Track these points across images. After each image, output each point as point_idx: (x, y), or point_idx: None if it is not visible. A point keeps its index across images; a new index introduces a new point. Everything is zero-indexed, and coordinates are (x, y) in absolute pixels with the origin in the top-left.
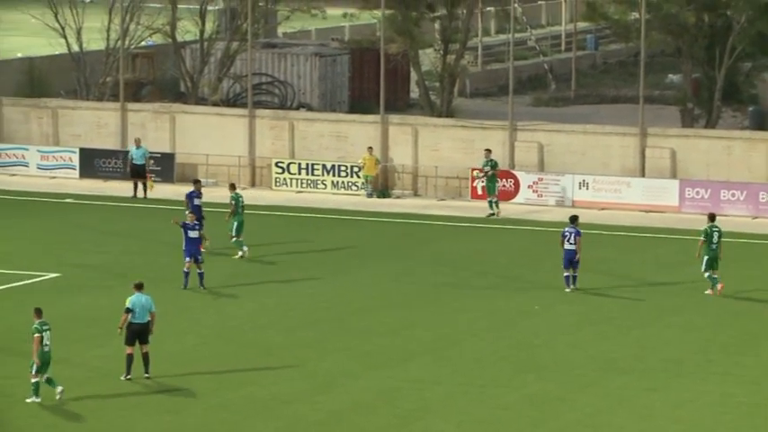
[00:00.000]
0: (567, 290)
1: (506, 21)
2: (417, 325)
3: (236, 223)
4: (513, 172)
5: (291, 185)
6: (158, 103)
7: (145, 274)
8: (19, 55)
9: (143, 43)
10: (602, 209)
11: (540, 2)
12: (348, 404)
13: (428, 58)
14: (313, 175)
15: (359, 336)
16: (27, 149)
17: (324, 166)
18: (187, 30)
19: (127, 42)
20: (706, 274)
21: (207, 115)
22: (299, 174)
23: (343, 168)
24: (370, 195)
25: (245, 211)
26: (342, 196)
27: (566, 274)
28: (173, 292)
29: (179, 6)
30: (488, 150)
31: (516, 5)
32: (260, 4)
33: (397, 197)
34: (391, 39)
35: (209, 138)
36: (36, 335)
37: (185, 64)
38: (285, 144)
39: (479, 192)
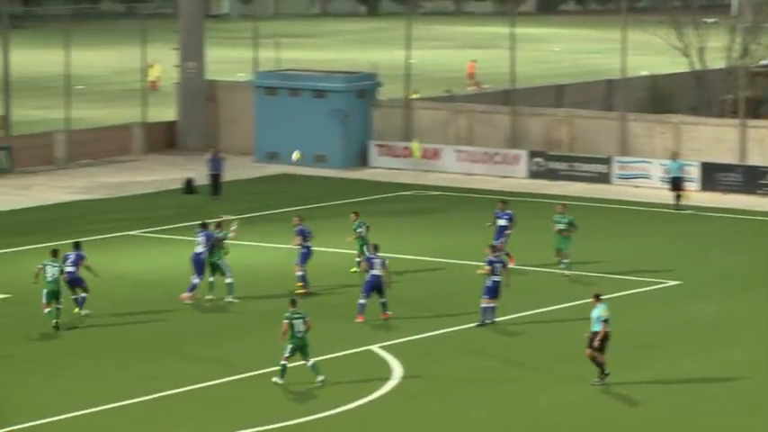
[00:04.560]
0: None
1: None
2: None
3: None
4: None
5: None
6: None
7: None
8: (643, 73)
9: (763, 62)
10: None
11: None
12: None
13: None
14: None
15: None
16: (650, 162)
17: None
18: None
19: (747, 61)
20: None
21: None
22: None
23: None
24: None
25: None
26: None
27: None
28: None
29: None
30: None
31: None
32: None
33: None
34: None
35: None
36: (285, 321)
37: None
38: None
39: None
